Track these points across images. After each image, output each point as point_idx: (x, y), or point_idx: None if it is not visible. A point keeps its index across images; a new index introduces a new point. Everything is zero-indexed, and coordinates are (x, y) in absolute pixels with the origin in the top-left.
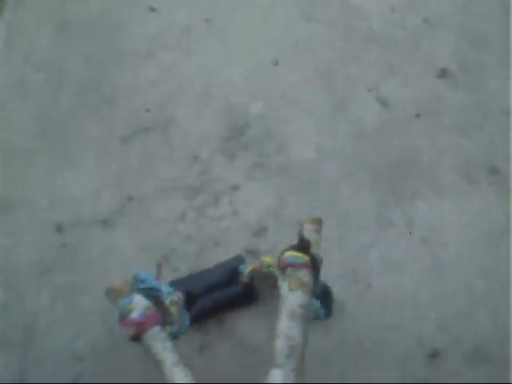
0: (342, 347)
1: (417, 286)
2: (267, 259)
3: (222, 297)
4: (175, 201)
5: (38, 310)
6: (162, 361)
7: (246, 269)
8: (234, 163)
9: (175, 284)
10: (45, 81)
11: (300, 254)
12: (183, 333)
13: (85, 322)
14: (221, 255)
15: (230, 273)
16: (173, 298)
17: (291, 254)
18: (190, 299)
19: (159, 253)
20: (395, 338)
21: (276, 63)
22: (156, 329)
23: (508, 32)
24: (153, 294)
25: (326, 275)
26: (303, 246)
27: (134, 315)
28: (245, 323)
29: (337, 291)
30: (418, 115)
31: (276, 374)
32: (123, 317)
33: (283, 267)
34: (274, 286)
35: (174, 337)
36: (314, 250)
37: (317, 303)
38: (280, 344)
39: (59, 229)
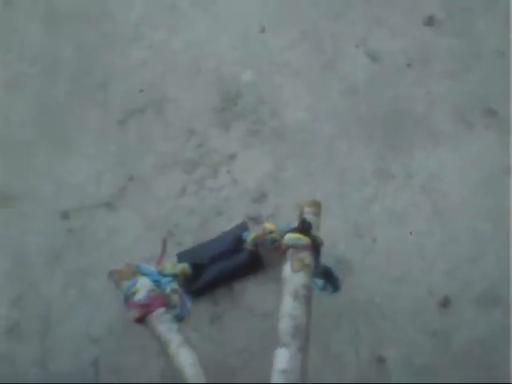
0: (353, 305)
1: (422, 236)
2: (268, 225)
3: (228, 265)
4: (175, 176)
5: (52, 297)
6: (168, 342)
7: (249, 236)
8: (230, 133)
9: (181, 257)
10: (39, 73)
11: (301, 236)
12: (185, 316)
13: (98, 305)
14: (224, 225)
15: (234, 241)
16: (172, 286)
17: (293, 237)
18: (197, 270)
19: (163, 229)
20: (405, 290)
21: (263, 30)
22: (161, 310)
23: None
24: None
25: (329, 233)
26: (304, 228)
27: (139, 297)
28: (253, 291)
29: (342, 248)
30: (408, 65)
31: (282, 353)
32: (128, 299)
33: (285, 249)
34: (278, 251)
35: (178, 320)
36: (314, 231)
37: (320, 282)
38: (285, 324)
39: (65, 215)
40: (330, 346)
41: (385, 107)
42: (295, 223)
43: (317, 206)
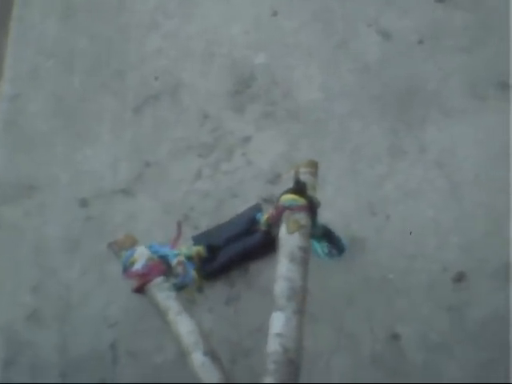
0: (367, 282)
1: (436, 212)
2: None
3: (242, 247)
4: (190, 160)
5: (70, 283)
6: (166, 310)
7: (263, 217)
8: (244, 116)
9: (196, 239)
10: (56, 66)
11: (296, 197)
12: (187, 284)
13: (115, 289)
14: (239, 207)
15: (248, 222)
16: (178, 259)
17: (288, 198)
18: (212, 252)
19: (179, 213)
20: (419, 266)
21: (275, 13)
22: (159, 279)
23: None
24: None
25: (342, 211)
26: (299, 188)
27: (137, 266)
28: (268, 271)
29: (355, 226)
30: (420, 42)
31: (277, 317)
32: (126, 269)
33: (280, 211)
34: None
35: (178, 288)
36: (310, 192)
37: (323, 245)
38: (280, 287)
39: (83, 203)
40: (344, 324)
41: (397, 84)
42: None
43: (313, 165)
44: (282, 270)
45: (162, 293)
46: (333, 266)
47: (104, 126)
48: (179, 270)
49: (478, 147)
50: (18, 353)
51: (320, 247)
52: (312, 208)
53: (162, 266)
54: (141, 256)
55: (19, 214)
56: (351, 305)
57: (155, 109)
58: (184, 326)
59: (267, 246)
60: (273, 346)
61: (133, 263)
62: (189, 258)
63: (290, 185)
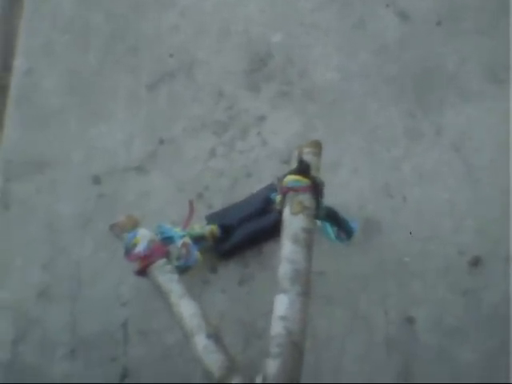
0: (382, 265)
1: (452, 195)
2: None
3: (257, 227)
4: (205, 138)
5: (82, 260)
6: (169, 293)
7: (278, 197)
8: (259, 95)
9: (211, 218)
10: (70, 41)
11: (300, 178)
12: (190, 267)
13: (127, 268)
14: (254, 186)
15: (263, 202)
16: (184, 240)
17: (291, 179)
18: (225, 232)
19: (193, 191)
20: (435, 249)
21: None
22: (162, 262)
23: None
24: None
25: (358, 193)
26: (302, 169)
27: (139, 249)
28: None
29: (371, 208)
30: (438, 23)
31: (281, 300)
32: (128, 251)
33: (284, 192)
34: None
35: (181, 271)
36: (313, 173)
37: (329, 227)
38: (284, 269)
39: (96, 180)
40: (358, 307)
41: (415, 66)
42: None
43: (317, 146)
44: (286, 252)
45: (164, 275)
46: (348, 249)
47: (118, 103)
48: (183, 251)
49: (495, 131)
50: (28, 330)
51: (331, 230)
52: (316, 189)
53: (165, 247)
54: (143, 238)
55: (31, 190)
56: (366, 287)
57: (170, 86)
58: (187, 309)
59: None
60: (276, 328)
61: (135, 245)
62: (202, 238)
63: (294, 165)
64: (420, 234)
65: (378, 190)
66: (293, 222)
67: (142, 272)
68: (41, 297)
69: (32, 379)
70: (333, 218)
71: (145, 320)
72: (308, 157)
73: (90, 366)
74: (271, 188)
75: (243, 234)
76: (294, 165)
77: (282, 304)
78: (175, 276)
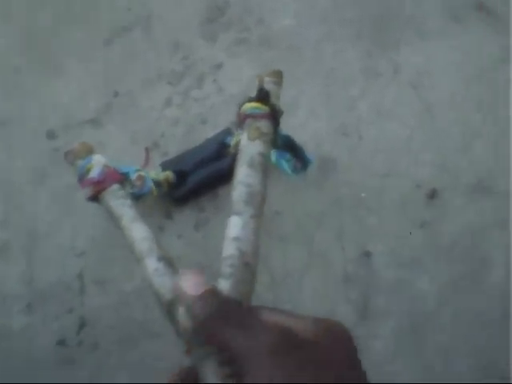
0: (338, 202)
1: (410, 131)
2: None
3: (212, 171)
4: (160, 88)
5: (38, 215)
6: (120, 217)
7: (233, 140)
8: (216, 44)
9: (165, 165)
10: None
11: (259, 105)
12: (145, 194)
13: (82, 220)
14: (209, 132)
15: (218, 147)
16: (139, 173)
17: (250, 106)
18: (181, 177)
19: (148, 140)
20: (391, 185)
21: None
22: (115, 187)
23: None
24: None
25: (315, 134)
26: (262, 96)
27: (93, 174)
28: None
29: (327, 148)
30: None
31: (234, 221)
32: (82, 177)
33: (242, 119)
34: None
35: (136, 198)
36: (273, 100)
37: (285, 162)
38: (238, 192)
39: (51, 135)
40: (315, 244)
41: (372, 8)
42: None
43: (278, 75)
44: (241, 175)
45: (117, 200)
46: (303, 187)
47: (74, 59)
48: (137, 183)
49: (454, 68)
50: None
51: (286, 163)
52: (275, 116)
53: (118, 174)
54: (97, 163)
55: None
56: (322, 225)
57: (127, 40)
58: (138, 232)
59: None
60: (229, 250)
61: (88, 171)
62: (157, 184)
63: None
64: (377, 170)
65: (334, 129)
66: (249, 147)
67: (94, 198)
68: None
69: None
70: (290, 146)
71: (101, 270)
72: (268, 86)
73: (47, 319)
74: (227, 132)
75: (198, 178)
76: (253, 93)
77: (235, 226)
78: (128, 201)
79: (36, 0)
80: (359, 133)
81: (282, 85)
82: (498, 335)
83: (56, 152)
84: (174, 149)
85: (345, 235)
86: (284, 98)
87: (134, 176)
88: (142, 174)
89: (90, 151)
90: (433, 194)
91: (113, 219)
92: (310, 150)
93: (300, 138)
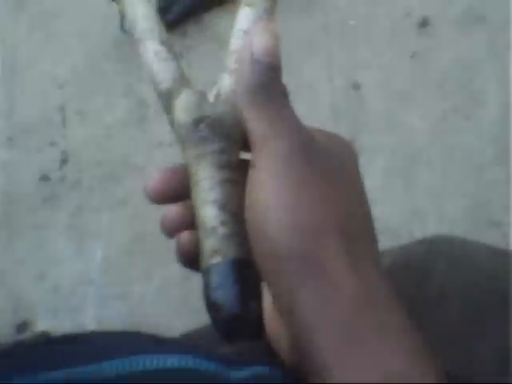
0: (326, 29)
1: None
2: None
3: None
4: None
5: (17, 43)
6: None
7: None
8: None
9: None
10: None
11: None
12: None
13: (63, 48)
14: None
15: None
16: None
17: None
18: (167, 2)
19: None
20: (381, 11)
21: None
22: None
23: None
24: None
25: None
26: None
27: None
28: (224, 22)
29: None
30: None
31: (245, 12)
32: None
33: None
34: None
35: None
36: None
37: None
38: None
39: None
40: (303, 74)
41: None
42: None
43: None
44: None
45: None
46: (292, 13)
47: None
48: None
49: None
50: None
51: None
52: None
53: None
54: None
55: None
56: (310, 54)
57: None
58: (141, 10)
59: None
60: (238, 43)
61: None
62: None
63: None
64: None
65: None
66: None
67: None
68: None
69: None
70: None
71: (83, 101)
72: None
73: (28, 153)
74: None
75: (184, 3)
76: None
77: (246, 18)
78: None
79: None
80: None
81: None
82: (488, 177)
83: None
84: None
85: (333, 65)
86: None
87: None
88: None
89: None
90: (423, 23)
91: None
92: None
93: None
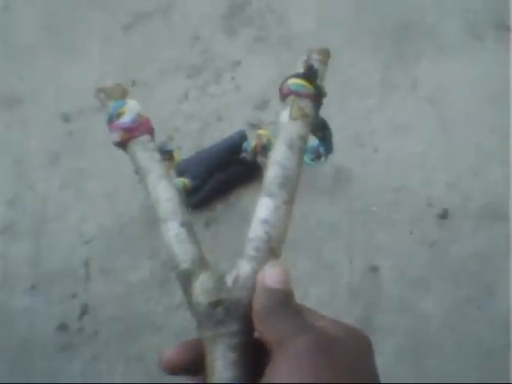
0: (349, 214)
1: (424, 147)
2: (263, 132)
3: (227, 177)
4: (178, 81)
5: (48, 196)
6: (148, 172)
7: (249, 146)
8: (235, 40)
9: (180, 169)
10: None
11: (305, 83)
12: (170, 151)
13: (92, 206)
14: (224, 130)
15: (233, 150)
16: None
17: (296, 82)
18: (196, 183)
19: (164, 133)
20: (403, 200)
21: None
22: (145, 138)
23: None
24: None
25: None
26: (310, 75)
27: (124, 120)
28: (249, 197)
29: (341, 157)
30: None
31: (265, 202)
32: (112, 120)
33: (285, 94)
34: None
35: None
36: (319, 81)
37: (314, 141)
38: (274, 172)
39: (66, 118)
40: (323, 254)
41: (394, 18)
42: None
43: (326, 54)
44: (279, 156)
45: (146, 152)
46: (317, 195)
47: (92, 42)
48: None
49: (471, 87)
50: None
51: (307, 152)
52: (319, 98)
53: (151, 124)
54: (131, 109)
55: (1, 126)
56: (332, 235)
57: (146, 27)
58: (164, 191)
59: (251, 174)
60: (257, 231)
61: (120, 115)
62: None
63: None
64: (390, 184)
65: (349, 139)
66: (290, 127)
67: (122, 145)
68: (5, 232)
69: None
70: (323, 130)
71: (107, 259)
72: (316, 64)
73: (50, 302)
74: (241, 135)
75: (214, 184)
76: (299, 68)
77: (266, 208)
78: (157, 155)
79: None
80: (374, 145)
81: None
82: (498, 366)
83: (70, 136)
84: (188, 144)
85: (353, 248)
86: None
87: None
88: None
89: (124, 94)
90: (444, 215)
91: (138, 173)
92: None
93: (314, 144)
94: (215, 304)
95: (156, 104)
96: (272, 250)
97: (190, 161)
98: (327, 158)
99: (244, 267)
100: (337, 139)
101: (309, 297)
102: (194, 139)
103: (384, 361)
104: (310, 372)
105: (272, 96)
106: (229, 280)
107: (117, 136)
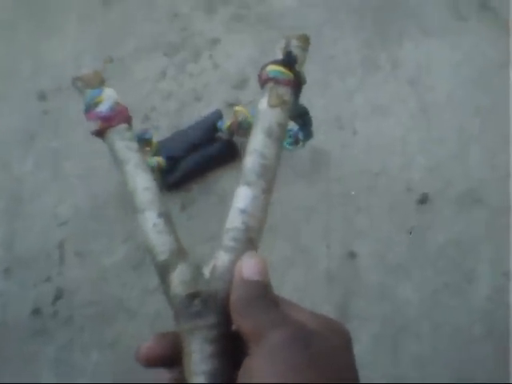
0: (327, 197)
1: (405, 130)
2: (240, 109)
3: (203, 157)
4: (155, 59)
5: (23, 177)
6: (125, 160)
7: (224, 125)
8: (215, 17)
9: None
10: None
11: (284, 70)
12: (147, 139)
13: (68, 187)
14: (202, 110)
15: (209, 130)
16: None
17: (275, 69)
18: (171, 163)
19: (140, 113)
20: (382, 185)
21: None
22: (123, 126)
23: None
24: None
25: None
26: (289, 61)
27: (101, 108)
28: (226, 178)
29: (320, 139)
30: None
31: (244, 192)
32: (89, 108)
33: (264, 81)
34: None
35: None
36: (298, 67)
37: (294, 126)
38: (252, 161)
39: (42, 96)
40: (301, 239)
41: None
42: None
43: (305, 40)
44: (257, 144)
45: (123, 141)
46: (294, 178)
47: (71, 18)
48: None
49: (454, 68)
50: None
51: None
52: (298, 84)
53: (128, 113)
54: (108, 98)
55: None
56: (309, 220)
57: (125, 3)
58: (141, 181)
59: (228, 154)
60: (234, 222)
61: (97, 104)
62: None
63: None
64: (369, 168)
65: (329, 121)
66: (269, 114)
67: (100, 133)
68: None
69: None
70: (303, 117)
71: (82, 241)
72: (295, 50)
73: (24, 285)
74: (217, 115)
75: (190, 164)
76: (278, 55)
77: (244, 197)
78: (135, 144)
79: None
80: (354, 127)
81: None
82: (476, 353)
83: (45, 115)
84: (165, 123)
85: (332, 233)
86: None
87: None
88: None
89: (102, 82)
90: (424, 200)
91: (115, 161)
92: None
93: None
94: (192, 296)
95: (133, 82)
96: (250, 240)
97: (165, 142)
98: (305, 144)
99: (222, 258)
100: (316, 121)
101: (286, 282)
102: (172, 119)
103: (362, 348)
104: (284, 369)
105: (251, 75)
106: (206, 271)
107: (94, 125)
